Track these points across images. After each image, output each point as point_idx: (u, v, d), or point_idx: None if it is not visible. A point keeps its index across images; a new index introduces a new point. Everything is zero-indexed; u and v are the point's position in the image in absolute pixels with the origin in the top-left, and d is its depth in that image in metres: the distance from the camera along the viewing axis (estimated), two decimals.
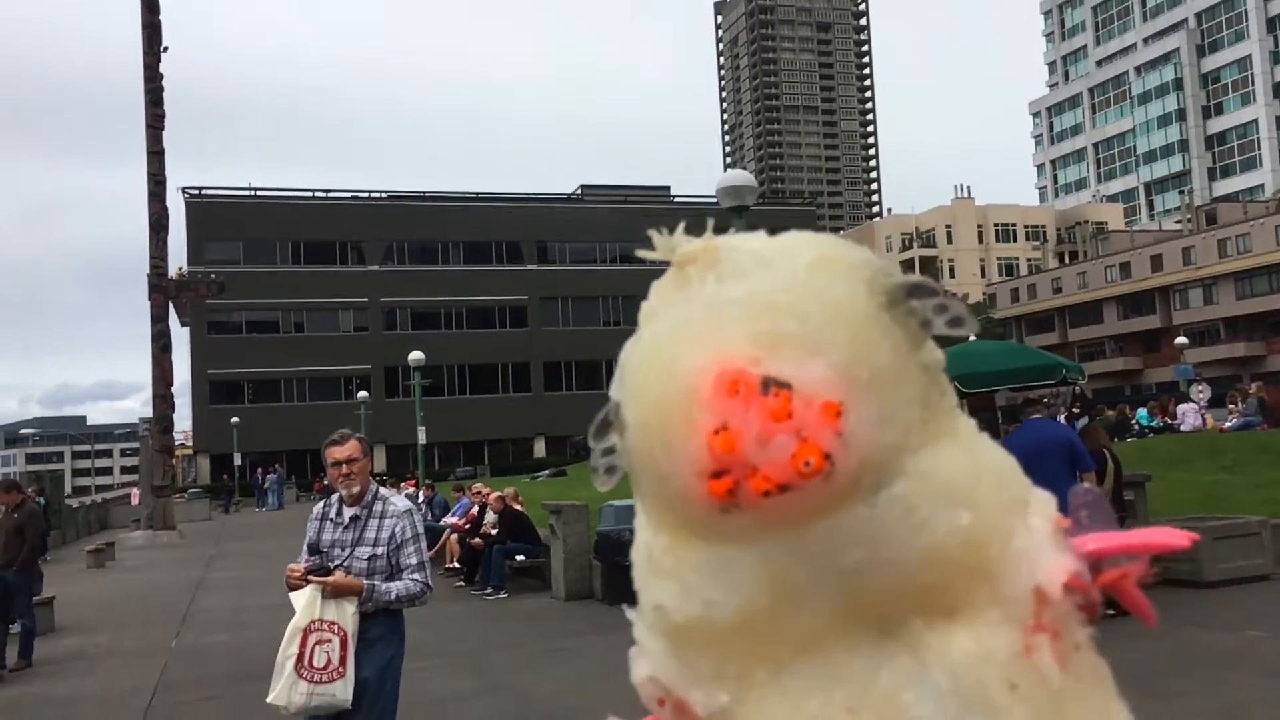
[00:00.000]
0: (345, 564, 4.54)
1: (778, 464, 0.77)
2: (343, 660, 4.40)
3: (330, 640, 4.40)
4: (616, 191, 74.40)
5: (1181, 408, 24.85)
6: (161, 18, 32.66)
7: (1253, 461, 15.99)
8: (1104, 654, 0.91)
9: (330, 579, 4.44)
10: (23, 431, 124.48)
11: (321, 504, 4.91)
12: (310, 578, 4.44)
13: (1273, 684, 6.83)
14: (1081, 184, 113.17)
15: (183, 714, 8.37)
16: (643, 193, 73.75)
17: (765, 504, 0.78)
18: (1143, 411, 27.47)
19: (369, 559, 4.58)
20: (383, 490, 4.84)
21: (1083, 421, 29.70)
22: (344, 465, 4.61)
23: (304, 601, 4.43)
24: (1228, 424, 21.93)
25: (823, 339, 0.80)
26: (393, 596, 4.56)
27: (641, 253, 0.92)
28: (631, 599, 1.08)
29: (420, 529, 4.80)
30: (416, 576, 4.64)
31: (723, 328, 0.82)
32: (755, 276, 0.84)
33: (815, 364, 0.78)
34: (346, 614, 4.44)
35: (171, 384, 32.44)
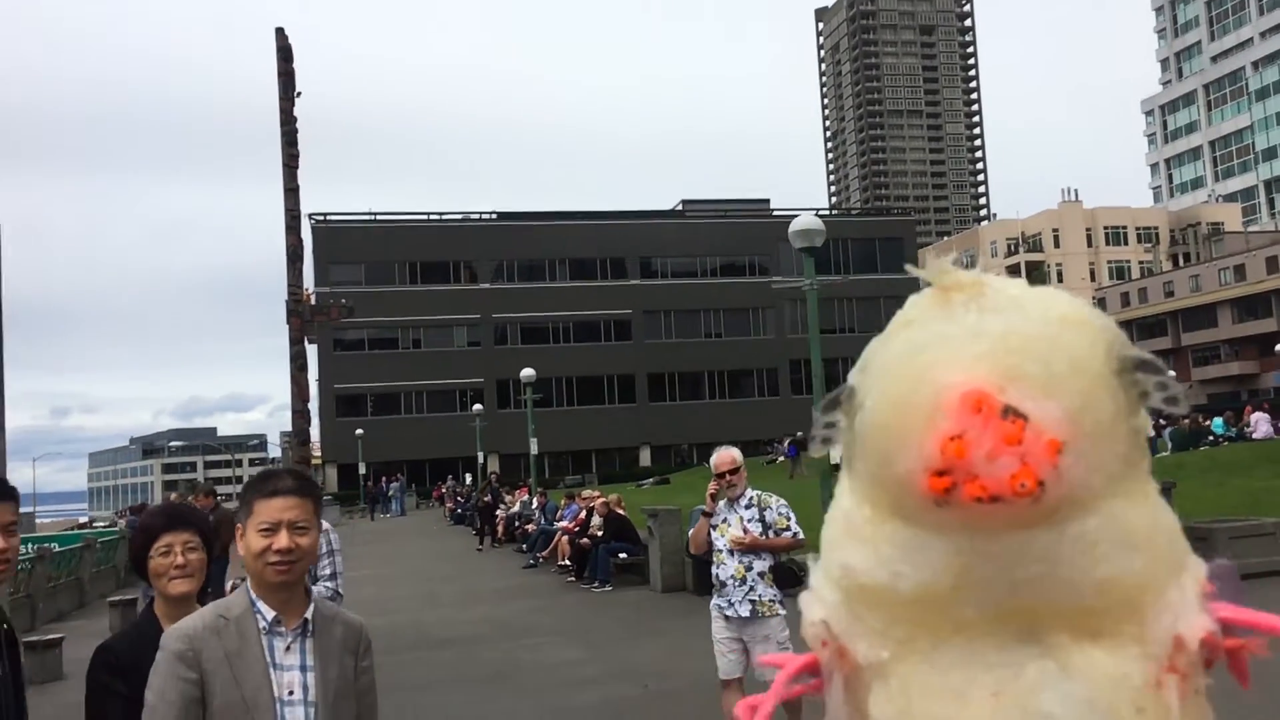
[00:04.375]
0: None
1: (997, 479, 0.86)
2: None
3: None
4: (717, 206, 75.56)
5: (1254, 416, 25.25)
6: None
7: None
8: None
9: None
10: (172, 444, 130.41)
11: None
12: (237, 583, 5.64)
13: None
14: (1198, 183, 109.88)
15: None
16: (743, 206, 75.02)
17: (974, 508, 0.87)
18: (1218, 420, 27.99)
19: None
20: None
21: (1168, 430, 30.25)
22: None
23: None
24: None
25: (1061, 385, 0.89)
26: None
27: (912, 269, 1.03)
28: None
29: (335, 546, 5.46)
30: (329, 584, 5.33)
31: (978, 353, 0.91)
32: (1012, 316, 0.93)
33: (1051, 404, 0.88)
34: None
35: (308, 400, 35.19)
